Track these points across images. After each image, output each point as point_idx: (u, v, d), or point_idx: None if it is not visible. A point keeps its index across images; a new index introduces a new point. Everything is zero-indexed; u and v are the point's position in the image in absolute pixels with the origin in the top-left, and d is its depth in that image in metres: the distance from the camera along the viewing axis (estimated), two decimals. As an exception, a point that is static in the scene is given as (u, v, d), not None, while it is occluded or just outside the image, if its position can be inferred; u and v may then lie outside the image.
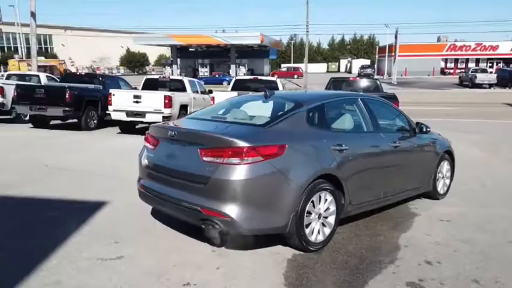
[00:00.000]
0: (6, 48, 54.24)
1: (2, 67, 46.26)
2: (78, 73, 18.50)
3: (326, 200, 3.73)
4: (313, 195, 3.56)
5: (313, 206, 3.62)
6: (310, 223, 3.61)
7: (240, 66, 49.62)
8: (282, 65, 68.23)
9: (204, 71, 50.43)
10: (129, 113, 10.90)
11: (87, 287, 2.96)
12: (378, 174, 4.34)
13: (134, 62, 60.27)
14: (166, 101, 10.80)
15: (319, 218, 3.69)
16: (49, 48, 62.35)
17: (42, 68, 44.04)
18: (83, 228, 4.06)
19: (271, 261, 3.46)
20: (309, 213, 3.59)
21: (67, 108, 11.29)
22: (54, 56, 56.67)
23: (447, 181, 5.71)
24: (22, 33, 48.01)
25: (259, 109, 4.22)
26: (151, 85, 12.82)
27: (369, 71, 57.53)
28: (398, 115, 5.08)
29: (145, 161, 3.90)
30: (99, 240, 3.76)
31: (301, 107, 3.84)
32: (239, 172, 3.15)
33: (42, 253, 3.42)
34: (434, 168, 5.31)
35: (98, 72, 49.81)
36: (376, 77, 55.90)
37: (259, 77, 13.37)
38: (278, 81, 12.46)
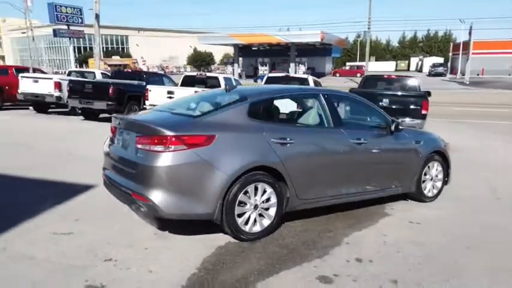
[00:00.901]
0: (88, 48, 59.47)
1: (84, 65, 50.76)
2: (125, 70, 19.84)
3: (265, 191, 3.80)
4: (247, 186, 3.65)
5: (248, 196, 3.71)
6: (244, 213, 3.71)
7: (300, 65, 49.40)
8: (347, 63, 66.52)
9: (263, 70, 50.96)
10: (162, 108, 11.57)
11: (27, 254, 3.37)
12: (334, 171, 4.28)
13: (200, 60, 62.81)
14: None
15: (255, 208, 3.77)
16: (125, 48, 67.30)
17: (116, 66, 47.79)
18: (58, 207, 4.53)
19: (201, 246, 3.62)
20: (243, 203, 3.69)
21: (110, 102, 12.28)
22: (129, 56, 61.00)
23: (438, 184, 5.39)
24: (101, 34, 52.46)
25: (220, 102, 4.37)
26: (189, 82, 13.44)
27: (440, 69, 54.11)
28: (373, 113, 4.92)
29: (106, 150, 4.25)
30: (63, 218, 4.19)
31: (245, 101, 3.93)
32: (162, 159, 3.36)
33: (7, 225, 3.92)
34: (418, 169, 5.06)
35: (166, 70, 52.76)
36: (448, 76, 52.34)
37: (291, 75, 13.37)
38: (310, 78, 12.37)
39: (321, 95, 4.47)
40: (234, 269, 3.24)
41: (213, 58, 66.39)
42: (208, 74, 14.05)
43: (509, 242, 4.03)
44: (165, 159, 3.36)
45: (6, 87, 15.52)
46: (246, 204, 3.71)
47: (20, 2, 42.05)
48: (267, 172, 3.77)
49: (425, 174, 5.22)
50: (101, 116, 13.51)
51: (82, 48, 59.52)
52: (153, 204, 3.37)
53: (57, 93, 13.96)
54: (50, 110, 15.24)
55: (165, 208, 3.39)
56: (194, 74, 14.56)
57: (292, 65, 48.88)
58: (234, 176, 3.53)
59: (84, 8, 38.44)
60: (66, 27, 37.79)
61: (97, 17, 23.40)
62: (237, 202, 3.62)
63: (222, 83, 13.10)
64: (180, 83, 13.60)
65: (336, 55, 61.10)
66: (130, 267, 3.20)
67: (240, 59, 54.11)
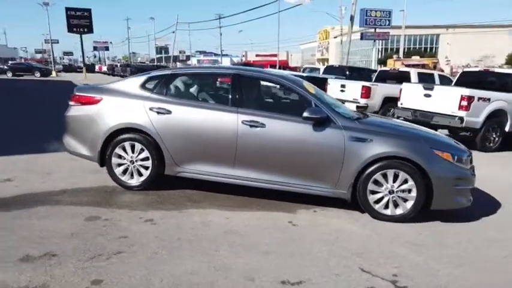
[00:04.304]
0: (389, 50, 61.24)
1: (382, 66, 52.95)
2: (336, 66, 19.94)
3: (143, 150, 4.44)
4: (123, 143, 4.46)
5: (126, 152, 4.49)
6: (122, 164, 4.52)
7: None
8: None
9: None
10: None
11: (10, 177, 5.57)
12: (218, 149, 4.26)
13: (526, 59, 51.72)
14: (364, 92, 11.08)
15: (131, 163, 4.49)
16: (434, 48, 64.63)
17: (414, 67, 47.30)
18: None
19: (95, 184, 4.75)
20: (122, 157, 4.50)
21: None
22: (433, 55, 58.31)
23: (408, 204, 3.98)
24: (405, 34, 52.75)
25: None
26: (383, 77, 12.95)
27: None
28: (303, 102, 4.24)
29: None
30: (51, 154, 6.09)
31: (145, 75, 4.66)
32: (69, 111, 4.72)
33: (16, 152, 6.17)
34: (353, 174, 3.97)
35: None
36: None
37: (491, 69, 10.19)
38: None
39: (232, 75, 4.45)
40: (75, 197, 4.29)
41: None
42: (401, 69, 12.97)
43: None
44: (69, 111, 4.73)
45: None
46: (124, 158, 4.51)
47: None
48: (144, 135, 4.41)
49: (377, 184, 3.98)
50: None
51: (388, 49, 61.88)
52: (63, 143, 4.83)
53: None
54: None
55: (67, 147, 4.79)
56: (388, 69, 13.71)
57: None
58: (109, 132, 4.45)
59: (394, 10, 40.49)
60: (373, 30, 41.11)
61: (351, 18, 24.63)
62: (113, 154, 4.50)
63: (414, 77, 11.96)
64: (374, 79, 13.25)
65: None
66: (11, 184, 4.69)
67: None
